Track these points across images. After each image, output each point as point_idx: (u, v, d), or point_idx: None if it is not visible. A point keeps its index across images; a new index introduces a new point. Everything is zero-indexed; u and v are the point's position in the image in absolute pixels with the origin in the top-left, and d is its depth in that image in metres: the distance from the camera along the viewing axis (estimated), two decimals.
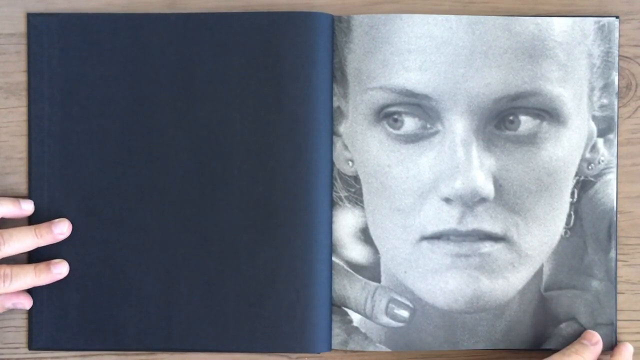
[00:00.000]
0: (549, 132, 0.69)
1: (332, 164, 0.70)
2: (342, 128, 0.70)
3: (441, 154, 0.69)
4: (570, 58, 0.69)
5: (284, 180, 0.69)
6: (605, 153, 0.70)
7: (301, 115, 0.69)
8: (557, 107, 0.69)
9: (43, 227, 0.69)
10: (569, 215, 0.70)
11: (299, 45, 0.69)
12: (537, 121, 0.69)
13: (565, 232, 0.70)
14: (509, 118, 0.69)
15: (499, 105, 0.69)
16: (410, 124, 0.69)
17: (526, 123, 0.69)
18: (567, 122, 0.69)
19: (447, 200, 0.69)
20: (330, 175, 0.70)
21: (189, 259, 0.70)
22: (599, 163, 0.70)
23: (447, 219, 0.69)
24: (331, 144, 0.70)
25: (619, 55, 0.70)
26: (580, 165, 0.70)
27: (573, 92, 0.69)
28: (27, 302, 0.70)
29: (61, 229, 0.70)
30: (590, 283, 0.70)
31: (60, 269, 0.69)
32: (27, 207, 0.70)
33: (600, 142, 0.70)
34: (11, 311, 0.71)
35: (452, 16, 0.69)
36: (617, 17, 0.70)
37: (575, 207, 0.70)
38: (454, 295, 0.70)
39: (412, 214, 0.70)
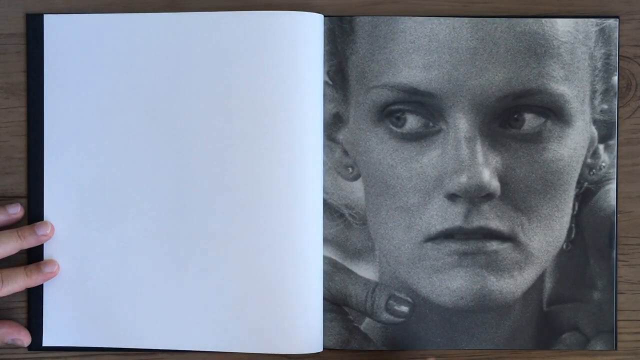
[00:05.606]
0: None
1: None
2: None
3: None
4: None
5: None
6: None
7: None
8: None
9: (25, 228, 0.69)
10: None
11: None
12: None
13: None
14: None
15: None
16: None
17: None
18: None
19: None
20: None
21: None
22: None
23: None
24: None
25: (619, 55, 0.70)
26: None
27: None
28: (25, 339, 0.69)
29: (44, 231, 0.69)
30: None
31: (51, 268, 0.69)
32: (14, 211, 0.70)
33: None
34: (11, 311, 0.71)
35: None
36: (617, 17, 0.70)
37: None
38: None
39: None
